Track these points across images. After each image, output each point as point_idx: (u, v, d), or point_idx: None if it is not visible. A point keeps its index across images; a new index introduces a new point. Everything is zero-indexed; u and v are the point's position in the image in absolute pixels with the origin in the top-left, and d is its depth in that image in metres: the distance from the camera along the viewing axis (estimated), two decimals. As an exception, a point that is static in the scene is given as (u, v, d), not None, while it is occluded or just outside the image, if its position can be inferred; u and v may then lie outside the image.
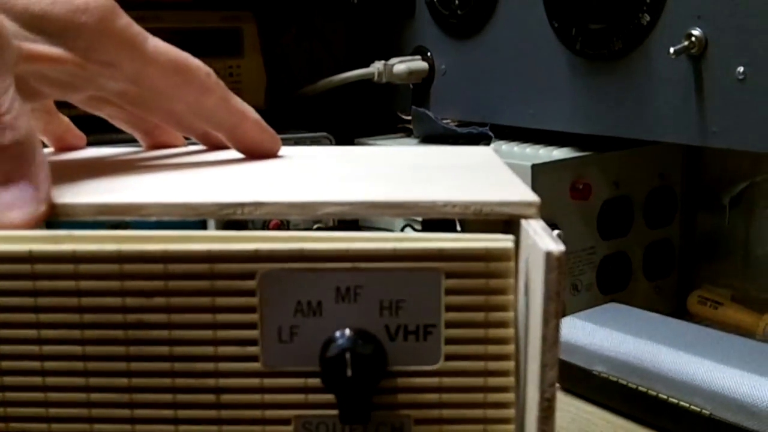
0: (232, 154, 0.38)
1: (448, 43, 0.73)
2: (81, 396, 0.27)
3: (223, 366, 0.26)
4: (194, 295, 0.26)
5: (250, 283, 0.26)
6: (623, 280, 0.66)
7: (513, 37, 0.66)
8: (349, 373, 0.25)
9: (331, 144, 0.67)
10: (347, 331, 0.26)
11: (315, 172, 0.34)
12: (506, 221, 0.28)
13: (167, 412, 0.27)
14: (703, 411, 0.46)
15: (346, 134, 0.73)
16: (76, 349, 0.26)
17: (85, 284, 0.26)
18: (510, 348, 0.26)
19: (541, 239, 0.24)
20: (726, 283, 0.67)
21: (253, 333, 0.26)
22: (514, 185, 0.31)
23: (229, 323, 0.26)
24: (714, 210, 0.68)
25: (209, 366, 0.26)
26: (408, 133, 0.76)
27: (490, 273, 0.26)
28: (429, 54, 0.75)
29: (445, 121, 0.70)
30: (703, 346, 0.50)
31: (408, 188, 0.31)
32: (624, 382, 0.51)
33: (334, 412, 0.26)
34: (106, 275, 0.26)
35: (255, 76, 0.71)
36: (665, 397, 0.48)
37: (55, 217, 0.28)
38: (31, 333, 0.26)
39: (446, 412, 0.26)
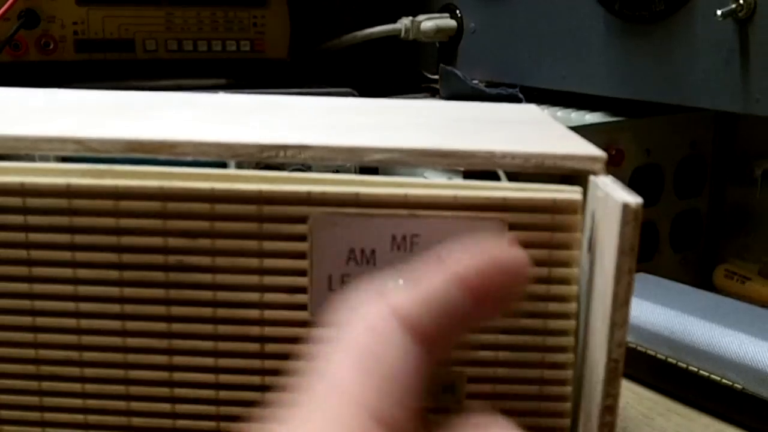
0: (271, 99, 0.37)
1: (477, 1, 0.71)
2: (116, 340, 0.25)
3: (269, 314, 0.25)
4: (241, 238, 0.24)
5: (301, 228, 0.24)
6: (650, 250, 0.64)
7: (548, -4, 0.64)
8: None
9: (356, 100, 0.65)
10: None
11: (357, 120, 0.33)
12: (563, 177, 0.27)
13: (208, 360, 0.25)
14: (735, 385, 0.45)
15: (368, 91, 0.71)
16: (114, 290, 0.25)
17: (125, 222, 0.25)
18: (572, 306, 0.25)
19: (615, 191, 0.23)
20: (754, 258, 0.66)
21: (302, 280, 0.25)
22: (573, 140, 0.29)
23: (277, 269, 0.25)
24: (744, 182, 0.67)
25: (254, 313, 0.25)
26: (433, 93, 0.74)
27: (555, 226, 0.24)
28: (458, 12, 0.73)
29: (473, 82, 0.68)
30: (736, 319, 0.48)
31: (458, 138, 0.29)
32: (653, 353, 0.49)
33: (384, 366, 0.25)
34: (148, 213, 0.24)
35: (279, 27, 0.69)
36: (696, 369, 0.47)
37: (81, 152, 0.26)
38: (67, 272, 0.25)
39: (501, 371, 0.25)
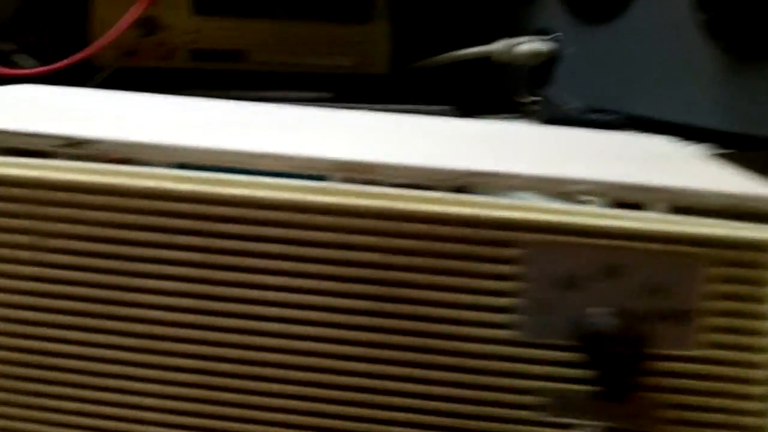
0: (433, 122, 0.38)
1: (577, 27, 0.72)
2: (325, 347, 0.27)
3: (476, 331, 0.26)
4: (455, 258, 0.26)
5: (512, 251, 0.26)
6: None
7: (653, 26, 0.65)
8: (616, 350, 0.25)
9: (457, 119, 0.66)
10: (608, 309, 0.25)
11: (532, 148, 0.34)
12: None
13: (410, 371, 0.27)
14: None
15: (461, 110, 0.72)
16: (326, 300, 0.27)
17: (346, 238, 0.26)
18: (766, 341, 0.26)
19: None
20: None
21: (509, 301, 0.26)
22: (742, 177, 0.31)
23: (487, 290, 0.26)
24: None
25: (462, 330, 0.26)
26: (525, 115, 0.75)
27: (756, 263, 0.25)
28: (554, 36, 0.74)
29: (572, 106, 0.69)
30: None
31: (643, 173, 0.30)
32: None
33: (583, 387, 0.26)
34: (369, 231, 0.26)
35: (382, 43, 0.71)
36: None
37: (291, 170, 0.28)
38: (280, 281, 0.27)
39: (700, 399, 0.26)
